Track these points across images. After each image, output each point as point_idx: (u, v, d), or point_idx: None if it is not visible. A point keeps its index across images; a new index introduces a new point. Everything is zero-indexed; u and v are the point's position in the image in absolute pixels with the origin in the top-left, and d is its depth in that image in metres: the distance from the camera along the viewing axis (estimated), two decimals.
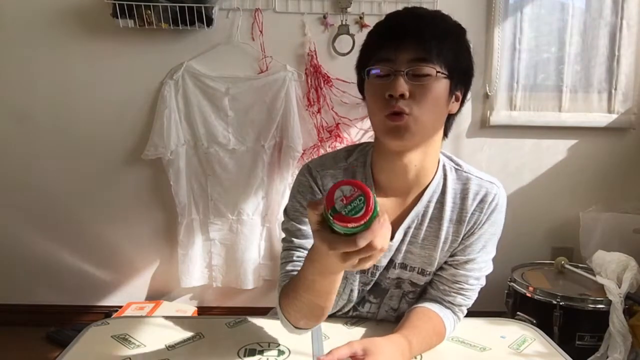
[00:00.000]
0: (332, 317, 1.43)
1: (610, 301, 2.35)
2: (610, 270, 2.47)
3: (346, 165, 1.36)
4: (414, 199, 1.32)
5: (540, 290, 2.46)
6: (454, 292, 1.33)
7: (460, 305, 1.36)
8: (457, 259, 1.33)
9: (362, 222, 0.85)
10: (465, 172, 1.34)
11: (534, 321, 2.37)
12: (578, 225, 2.97)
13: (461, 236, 1.32)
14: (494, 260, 1.39)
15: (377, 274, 1.37)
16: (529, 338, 1.36)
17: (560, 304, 2.38)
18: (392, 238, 1.31)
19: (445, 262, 1.35)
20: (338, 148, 2.71)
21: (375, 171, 1.33)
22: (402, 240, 1.33)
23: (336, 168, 1.35)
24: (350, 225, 0.85)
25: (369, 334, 1.35)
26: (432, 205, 1.32)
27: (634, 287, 2.42)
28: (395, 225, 1.31)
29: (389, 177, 1.31)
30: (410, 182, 1.31)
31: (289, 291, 1.20)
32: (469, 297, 1.35)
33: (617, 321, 2.32)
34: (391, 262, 1.35)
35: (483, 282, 1.37)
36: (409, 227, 1.32)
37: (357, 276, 1.37)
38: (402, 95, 1.17)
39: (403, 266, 1.36)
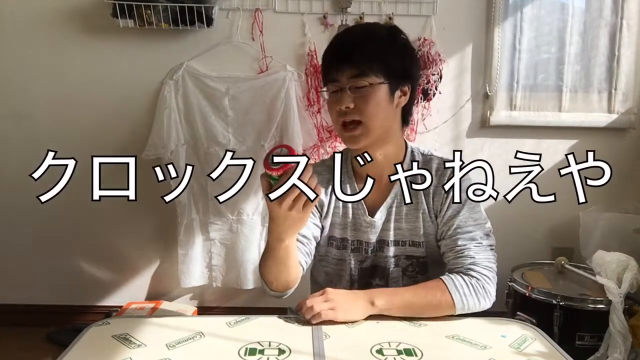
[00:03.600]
0: None
1: (610, 301, 2.35)
2: (610, 270, 2.47)
3: (331, 163, 1.63)
4: (389, 183, 1.58)
5: (540, 290, 2.46)
6: (453, 258, 1.52)
7: (464, 265, 1.49)
8: (442, 230, 1.56)
9: (281, 172, 1.18)
10: (428, 155, 1.63)
11: (534, 321, 2.37)
12: (578, 225, 2.97)
13: (432, 206, 1.57)
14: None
15: (370, 251, 1.62)
16: (529, 338, 1.36)
17: (560, 304, 2.38)
18: (374, 215, 1.60)
19: (439, 240, 1.58)
20: (338, 148, 2.76)
21: (354, 165, 1.64)
22: (388, 219, 1.60)
23: (322, 166, 1.69)
24: (274, 173, 1.19)
25: (369, 334, 1.35)
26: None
27: (634, 287, 2.41)
28: (377, 205, 1.60)
29: (364, 168, 1.58)
30: (380, 167, 1.58)
31: (262, 257, 1.47)
32: (470, 256, 1.50)
33: (617, 321, 2.31)
34: (383, 241, 1.61)
35: (482, 241, 1.53)
36: (390, 207, 1.60)
37: (352, 255, 1.64)
38: (348, 107, 1.48)
39: (396, 243, 1.60)
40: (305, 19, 2.90)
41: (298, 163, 1.18)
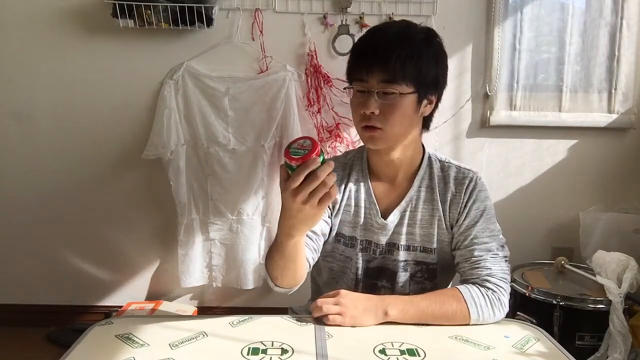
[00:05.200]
0: None
1: (610, 301, 2.35)
2: (610, 270, 2.47)
3: (345, 160, 1.66)
4: (405, 185, 1.59)
5: (540, 290, 2.47)
6: (469, 269, 1.51)
7: (480, 276, 1.48)
8: (458, 240, 1.55)
9: (301, 162, 1.12)
10: (446, 162, 1.61)
11: (534, 321, 2.37)
12: (578, 225, 2.97)
13: (448, 215, 1.56)
14: None
15: (378, 252, 1.60)
16: (532, 338, 1.36)
17: (560, 304, 2.38)
18: (386, 218, 1.58)
19: (453, 249, 1.56)
20: (338, 148, 2.75)
21: (370, 163, 1.62)
22: (401, 223, 1.58)
23: (335, 162, 1.55)
24: (296, 163, 1.13)
25: (372, 334, 1.35)
26: (423, 189, 1.58)
27: (634, 287, 2.42)
28: (390, 207, 1.59)
29: (380, 166, 1.60)
30: (397, 169, 1.58)
31: (269, 252, 1.42)
32: (487, 267, 1.49)
33: (617, 321, 2.32)
34: (394, 244, 1.59)
35: (498, 252, 1.52)
36: (404, 211, 1.57)
37: (360, 254, 1.61)
38: (373, 113, 1.43)
39: (407, 247, 1.58)
40: (305, 19, 2.90)
41: (319, 156, 1.14)
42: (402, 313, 1.40)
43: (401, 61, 1.40)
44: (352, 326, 1.37)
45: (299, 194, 1.14)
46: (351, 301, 1.40)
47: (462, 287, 1.46)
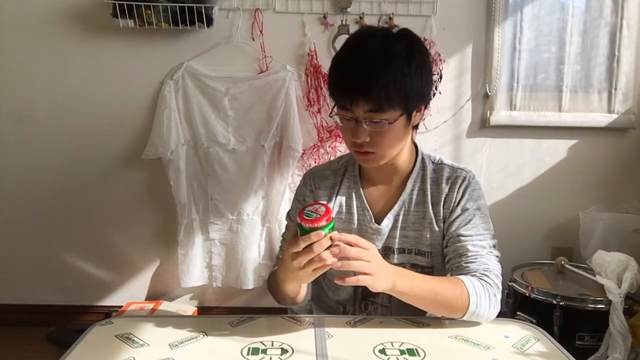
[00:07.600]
0: (336, 316, 1.52)
1: (610, 301, 2.35)
2: (610, 270, 2.47)
3: (337, 167, 1.65)
4: (398, 189, 1.57)
5: (540, 290, 2.47)
6: (465, 263, 1.46)
7: (479, 270, 1.44)
8: (450, 235, 1.51)
9: (315, 224, 1.18)
10: (439, 163, 1.59)
11: (534, 321, 2.37)
12: (578, 225, 2.97)
13: (441, 215, 1.53)
14: None
15: None
16: (532, 338, 1.36)
17: (560, 304, 2.38)
18: (380, 222, 1.55)
19: (445, 247, 1.53)
20: (338, 148, 2.75)
21: (362, 168, 1.60)
22: (395, 227, 1.56)
23: (328, 169, 1.65)
24: (305, 224, 1.19)
25: (372, 334, 1.35)
26: (415, 192, 1.56)
27: (634, 287, 2.42)
28: (384, 211, 1.57)
29: (372, 171, 1.58)
30: (389, 173, 1.57)
31: (271, 275, 1.51)
32: (484, 262, 1.46)
33: (617, 321, 2.32)
34: (389, 248, 1.56)
35: (492, 250, 1.50)
36: (397, 214, 1.56)
37: None
38: (364, 141, 1.40)
39: (401, 250, 1.56)
40: (305, 19, 2.90)
41: (329, 223, 1.20)
42: (409, 288, 1.33)
43: (386, 89, 1.34)
44: (369, 287, 1.28)
45: (297, 259, 1.22)
46: (381, 267, 1.30)
47: (463, 277, 1.41)
